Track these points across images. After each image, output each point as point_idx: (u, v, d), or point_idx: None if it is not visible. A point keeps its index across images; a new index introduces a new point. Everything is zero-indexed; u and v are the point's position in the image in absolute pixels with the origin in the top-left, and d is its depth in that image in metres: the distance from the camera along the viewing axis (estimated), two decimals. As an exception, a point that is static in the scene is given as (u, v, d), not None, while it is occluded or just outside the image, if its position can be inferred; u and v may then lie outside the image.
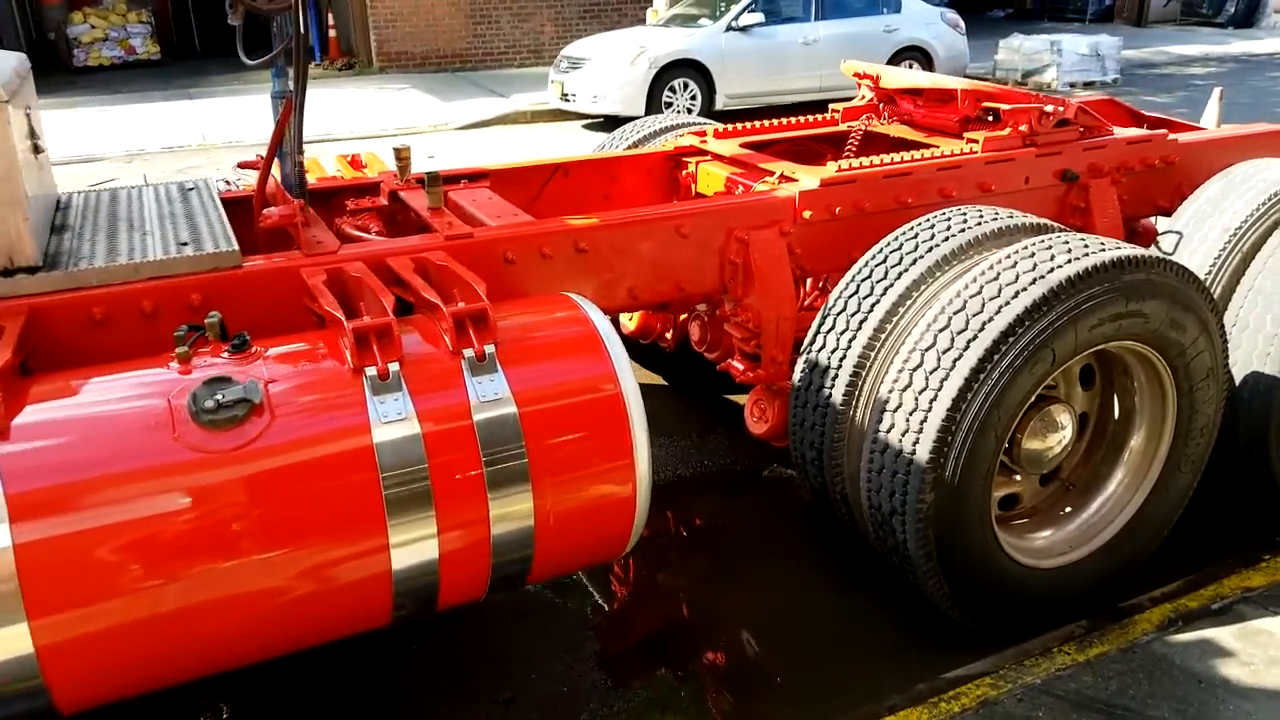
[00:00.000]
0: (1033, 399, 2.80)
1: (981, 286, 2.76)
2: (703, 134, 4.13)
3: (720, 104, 11.71)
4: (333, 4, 16.98)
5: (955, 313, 2.75)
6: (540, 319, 2.51)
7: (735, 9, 11.70)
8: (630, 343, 4.70)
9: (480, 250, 2.86)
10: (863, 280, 3.06)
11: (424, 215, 3.04)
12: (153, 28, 16.96)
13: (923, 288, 2.94)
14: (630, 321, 4.36)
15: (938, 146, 3.74)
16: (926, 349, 2.75)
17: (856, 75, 4.33)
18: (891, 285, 2.99)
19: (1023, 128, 3.64)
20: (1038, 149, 3.66)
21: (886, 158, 3.56)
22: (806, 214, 3.31)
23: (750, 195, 3.36)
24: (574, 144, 11.18)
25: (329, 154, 4.40)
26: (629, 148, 4.44)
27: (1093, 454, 3.25)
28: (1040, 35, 15.32)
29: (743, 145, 3.96)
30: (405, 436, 2.16)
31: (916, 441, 2.71)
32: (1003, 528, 3.08)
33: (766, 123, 4.30)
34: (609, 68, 11.36)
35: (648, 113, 11.33)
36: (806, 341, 3.11)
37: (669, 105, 11.42)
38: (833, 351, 3.01)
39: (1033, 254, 2.79)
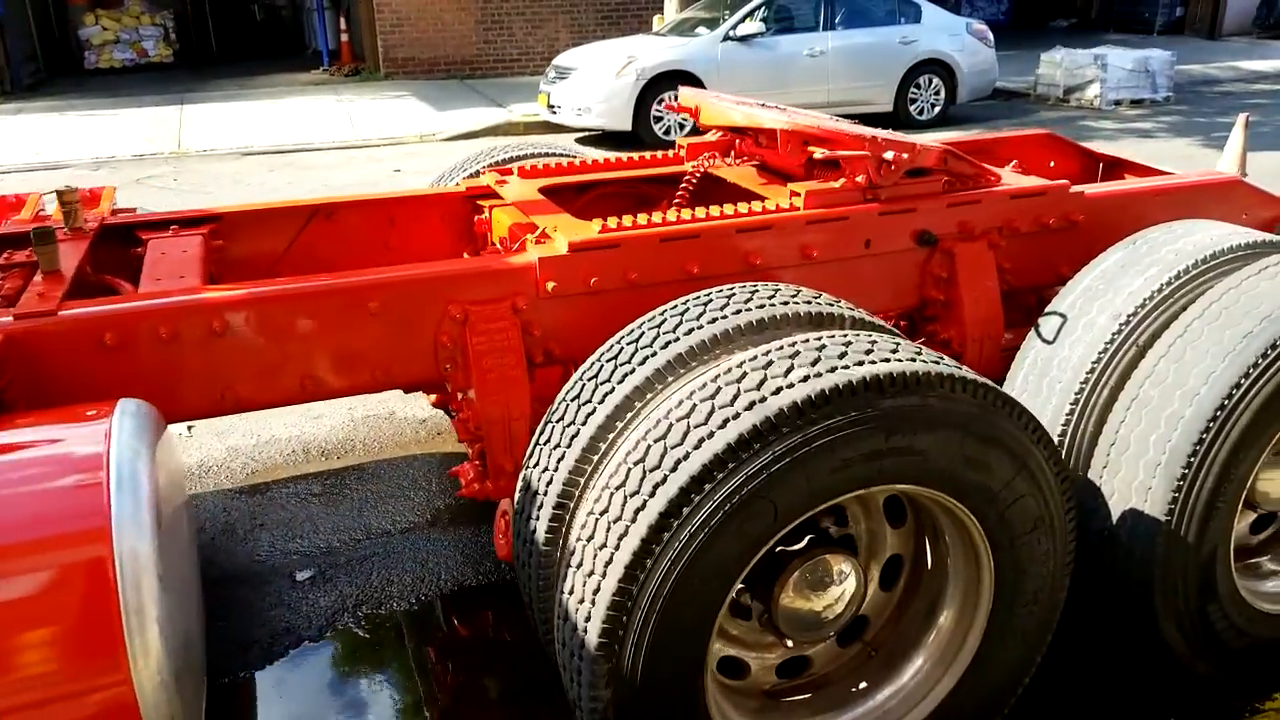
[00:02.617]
0: (759, 558, 2.06)
1: (693, 407, 2.03)
2: (508, 170, 3.46)
3: (715, 119, 10.96)
4: (350, 8, 16.67)
5: (655, 441, 2.03)
6: (28, 447, 1.86)
7: (733, 18, 10.95)
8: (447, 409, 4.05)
9: (66, 335, 2.24)
10: (587, 380, 2.35)
11: (34, 282, 2.42)
12: (166, 31, 16.87)
13: (647, 396, 2.22)
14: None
15: (768, 198, 3.00)
16: (616, 489, 2.04)
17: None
18: (612, 390, 2.27)
19: (860, 178, 2.88)
20: (881, 205, 2.89)
21: (702, 211, 2.84)
22: (550, 286, 2.61)
23: (473, 261, 2.68)
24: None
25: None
26: (467, 179, 3.79)
27: (905, 609, 2.49)
28: (1085, 49, 14.22)
29: (544, 189, 3.27)
30: None
31: (589, 618, 2.00)
32: (761, 714, 2.35)
33: (596, 159, 3.60)
34: (594, 78, 10.71)
35: (635, 127, 10.67)
36: (527, 453, 2.42)
37: (659, 120, 10.72)
38: (544, 471, 2.31)
39: (768, 364, 2.06)
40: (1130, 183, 3.47)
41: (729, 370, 2.08)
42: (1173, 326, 2.61)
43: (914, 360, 2.05)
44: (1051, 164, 4.25)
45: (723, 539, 1.93)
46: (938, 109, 12.01)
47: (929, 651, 2.36)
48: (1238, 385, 2.40)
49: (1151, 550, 2.50)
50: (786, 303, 2.35)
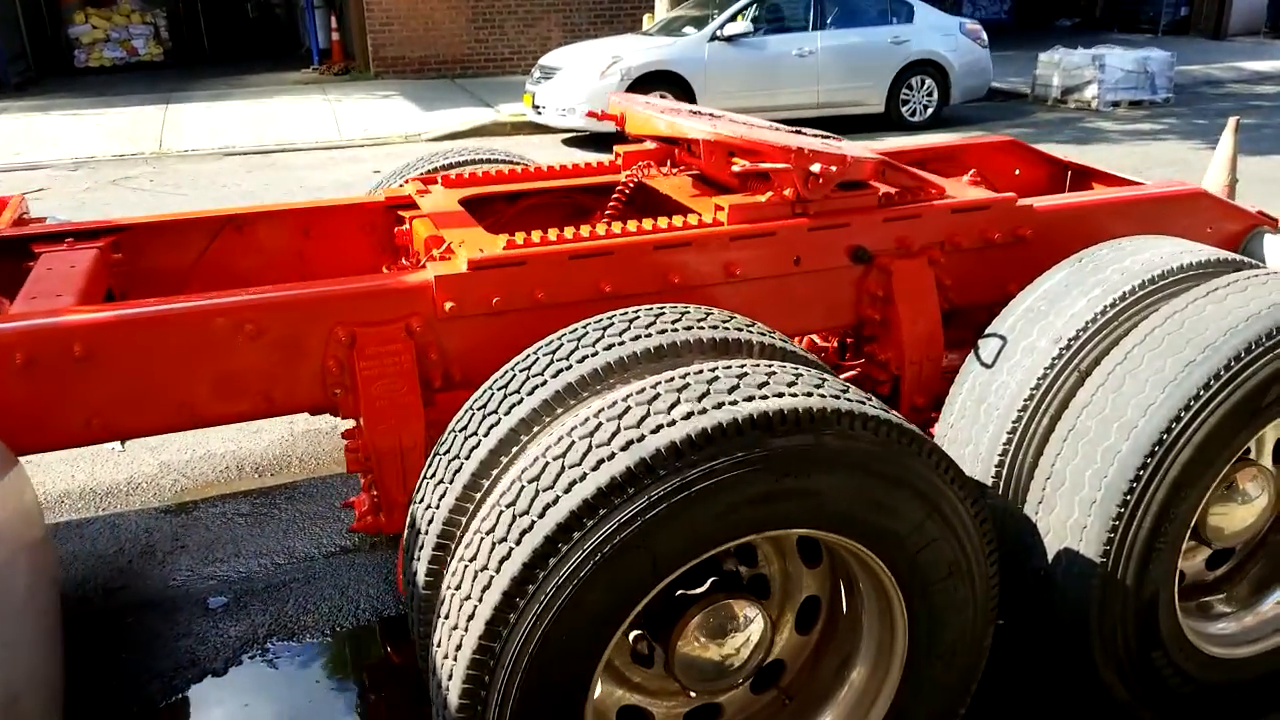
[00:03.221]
0: (645, 607, 1.90)
1: (571, 444, 1.87)
2: (432, 179, 3.30)
3: (702, 120, 10.79)
4: (341, 7, 16.54)
5: (529, 482, 1.87)
6: None
7: (721, 17, 10.77)
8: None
9: (-89, 359, 2.09)
10: (476, 410, 2.19)
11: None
12: (157, 29, 16.76)
13: (534, 429, 2.06)
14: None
15: (696, 211, 2.84)
16: (486, 534, 1.87)
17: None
18: (498, 423, 2.11)
19: (788, 191, 2.71)
20: (810, 219, 2.73)
21: (618, 226, 2.68)
22: (448, 306, 2.45)
23: (363, 280, 2.51)
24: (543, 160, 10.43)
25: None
26: (396, 187, 3.63)
27: (822, 656, 2.33)
28: (1085, 49, 14.00)
29: (467, 199, 3.11)
30: None
31: (451, 675, 1.84)
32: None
33: (528, 167, 3.44)
34: (578, 79, 10.52)
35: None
36: (416, 487, 2.27)
37: (644, 120, 10.54)
38: (427, 508, 2.15)
39: (653, 398, 1.89)
40: (1084, 195, 3.29)
41: (613, 404, 1.92)
42: (1113, 353, 2.43)
43: (810, 395, 1.89)
44: (1016, 172, 4.07)
45: (594, 591, 1.77)
46: (930, 110, 11.81)
47: (840, 709, 2.19)
48: (1177, 419, 2.22)
49: (1087, 593, 2.33)
50: (691, 328, 2.18)
